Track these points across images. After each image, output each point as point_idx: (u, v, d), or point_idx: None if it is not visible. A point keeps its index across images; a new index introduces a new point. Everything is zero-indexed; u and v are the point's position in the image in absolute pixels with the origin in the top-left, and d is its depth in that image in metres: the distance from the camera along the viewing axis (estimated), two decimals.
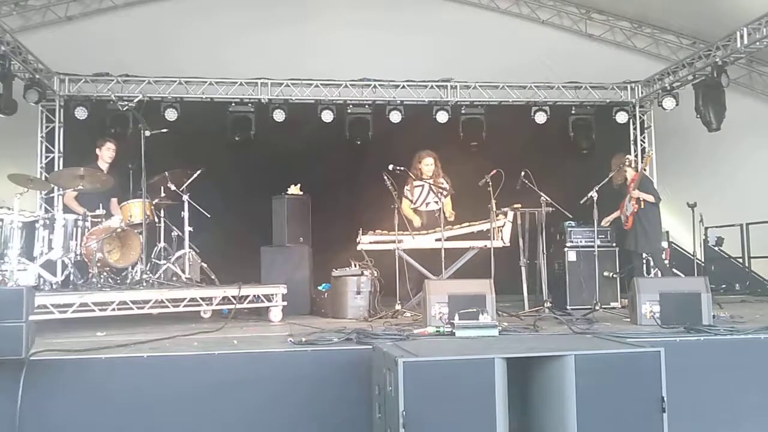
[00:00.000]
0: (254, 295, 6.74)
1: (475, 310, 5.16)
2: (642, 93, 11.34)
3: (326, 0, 11.19)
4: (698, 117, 9.83)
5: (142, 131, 7.00)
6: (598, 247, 7.76)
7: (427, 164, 7.83)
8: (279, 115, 10.53)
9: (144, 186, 6.96)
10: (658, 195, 8.04)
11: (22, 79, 9.63)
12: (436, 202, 7.66)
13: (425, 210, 7.88)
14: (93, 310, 5.76)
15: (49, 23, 10.93)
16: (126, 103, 7.41)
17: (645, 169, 8.01)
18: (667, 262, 8.24)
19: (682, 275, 7.70)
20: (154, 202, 7.35)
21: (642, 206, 7.84)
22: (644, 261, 8.29)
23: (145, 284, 6.69)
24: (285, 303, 6.89)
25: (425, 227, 7.61)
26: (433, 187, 7.73)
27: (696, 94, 9.88)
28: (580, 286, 7.99)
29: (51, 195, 9.33)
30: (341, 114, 10.76)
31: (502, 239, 7.39)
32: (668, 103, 10.44)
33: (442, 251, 7.14)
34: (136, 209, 7.07)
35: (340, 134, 10.76)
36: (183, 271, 7.30)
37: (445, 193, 7.68)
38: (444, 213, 7.46)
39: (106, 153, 7.83)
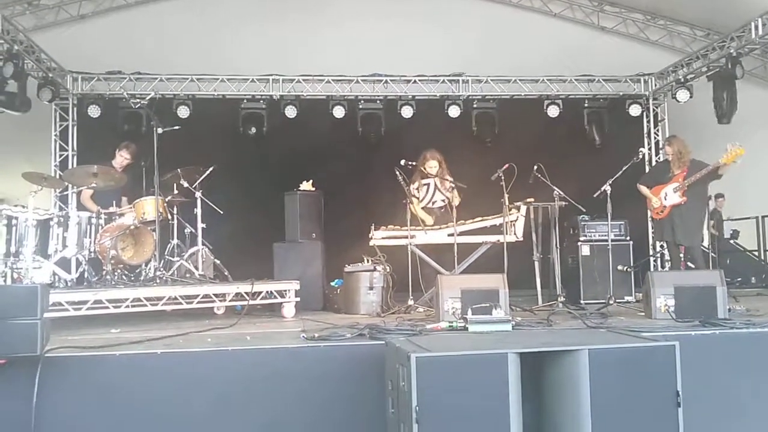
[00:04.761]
0: (267, 291, 6.76)
1: (488, 305, 5.14)
2: (655, 85, 11.26)
3: None
4: (716, 108, 9.76)
5: (154, 129, 7.01)
6: (612, 240, 7.71)
7: (431, 166, 7.78)
8: (291, 112, 10.54)
9: (157, 183, 6.98)
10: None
11: (36, 77, 9.69)
12: (443, 200, 7.73)
13: (434, 207, 7.88)
14: (107, 307, 5.78)
15: (62, 22, 11.00)
16: (138, 100, 7.44)
17: (721, 163, 7.16)
18: (681, 256, 8.09)
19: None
20: (167, 200, 7.37)
21: (687, 200, 7.42)
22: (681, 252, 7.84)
23: (158, 281, 6.72)
24: (298, 299, 6.91)
25: (437, 224, 7.61)
26: (438, 184, 7.76)
27: (714, 85, 9.80)
28: (593, 280, 7.94)
29: (65, 193, 9.40)
30: (353, 109, 10.75)
31: (515, 234, 7.34)
32: (682, 95, 10.35)
33: (455, 246, 7.12)
34: (149, 206, 7.09)
35: (351, 130, 10.76)
36: (196, 268, 7.32)
37: (450, 186, 7.73)
38: (453, 206, 7.49)
39: (119, 159, 7.87)
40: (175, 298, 6.20)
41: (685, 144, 7.64)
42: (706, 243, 10.49)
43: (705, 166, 7.38)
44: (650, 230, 10.99)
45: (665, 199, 7.56)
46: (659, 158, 11.25)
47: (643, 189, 7.77)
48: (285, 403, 4.27)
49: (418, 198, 7.83)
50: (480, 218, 7.48)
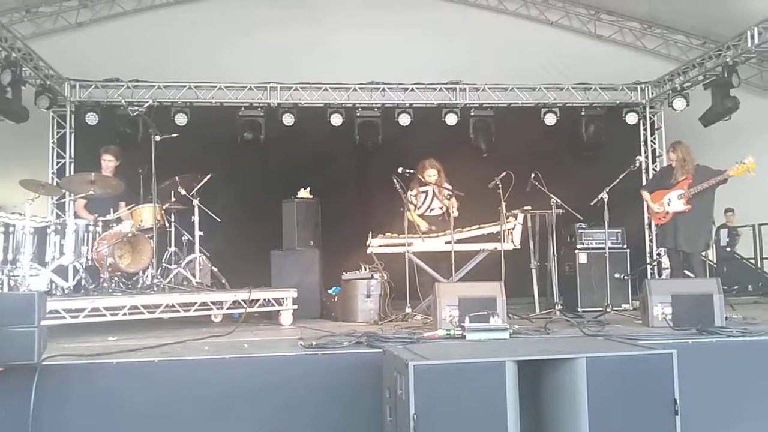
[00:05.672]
0: (264, 299, 6.74)
1: (485, 312, 5.15)
2: (652, 94, 11.30)
3: (334, 3, 11.24)
4: (707, 115, 9.82)
5: (152, 136, 7.00)
6: (609, 248, 7.71)
7: (430, 175, 7.78)
8: (288, 119, 10.56)
9: (154, 191, 6.97)
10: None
11: (33, 85, 9.71)
12: (441, 208, 7.76)
13: (430, 215, 7.88)
14: (104, 315, 5.76)
15: (60, 30, 11.03)
16: (136, 108, 7.43)
17: (730, 176, 7.19)
18: None
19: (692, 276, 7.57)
20: (164, 207, 7.37)
21: (692, 208, 7.33)
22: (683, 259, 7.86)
23: (156, 289, 6.71)
24: (295, 307, 6.89)
25: (434, 232, 7.61)
26: (436, 192, 7.78)
27: (713, 92, 9.85)
28: (591, 288, 7.93)
29: (62, 200, 9.38)
30: (350, 117, 10.78)
31: (512, 241, 7.35)
32: (679, 103, 10.40)
33: (452, 254, 7.12)
34: (147, 214, 7.09)
35: (349, 137, 10.78)
36: (193, 276, 7.30)
37: (448, 195, 7.71)
38: (450, 213, 7.49)
39: (105, 164, 7.83)
40: (173, 306, 6.18)
41: (690, 150, 7.56)
42: (712, 257, 10.49)
43: (711, 171, 7.31)
44: (647, 238, 11.02)
45: (668, 204, 7.46)
46: (656, 166, 11.30)
47: (645, 195, 7.76)
48: (282, 411, 4.25)
49: (415, 205, 7.84)
50: (477, 226, 7.48)
